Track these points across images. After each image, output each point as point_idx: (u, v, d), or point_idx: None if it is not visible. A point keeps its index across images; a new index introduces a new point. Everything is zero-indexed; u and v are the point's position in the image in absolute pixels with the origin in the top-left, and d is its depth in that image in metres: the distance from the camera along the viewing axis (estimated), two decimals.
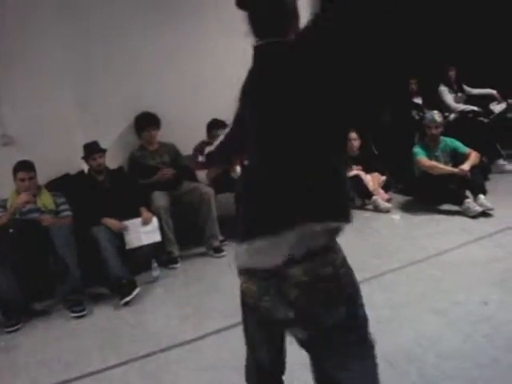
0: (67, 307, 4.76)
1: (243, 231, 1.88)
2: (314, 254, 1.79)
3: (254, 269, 1.86)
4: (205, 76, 6.26)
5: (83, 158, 5.51)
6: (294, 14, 1.96)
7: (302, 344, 1.91)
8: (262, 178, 1.86)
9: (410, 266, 4.54)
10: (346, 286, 1.89)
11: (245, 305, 2.02)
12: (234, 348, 2.96)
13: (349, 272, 1.93)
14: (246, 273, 1.92)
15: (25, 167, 5.07)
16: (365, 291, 4.09)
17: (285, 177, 1.79)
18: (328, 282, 1.82)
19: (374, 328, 3.44)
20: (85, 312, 4.70)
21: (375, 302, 3.91)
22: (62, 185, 5.65)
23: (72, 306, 4.73)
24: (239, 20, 1.98)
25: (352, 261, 4.83)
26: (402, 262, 4.62)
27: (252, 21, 1.94)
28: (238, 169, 5.70)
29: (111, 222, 5.17)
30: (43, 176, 5.48)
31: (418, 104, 7.85)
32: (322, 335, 1.84)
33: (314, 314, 1.82)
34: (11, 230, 4.82)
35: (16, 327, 4.62)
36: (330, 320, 1.82)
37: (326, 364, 1.89)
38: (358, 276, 4.28)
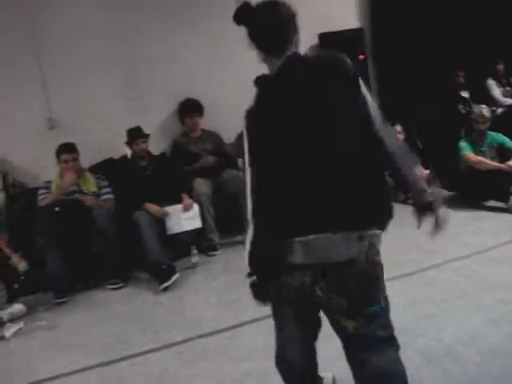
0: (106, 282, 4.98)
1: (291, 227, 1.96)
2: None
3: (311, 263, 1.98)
4: (250, 65, 6.22)
5: (126, 142, 5.56)
6: (293, 25, 2.11)
7: (345, 334, 2.05)
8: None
9: (454, 262, 4.44)
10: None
11: (282, 300, 2.11)
12: (270, 337, 2.94)
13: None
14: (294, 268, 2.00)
15: (67, 149, 5.15)
16: (406, 286, 4.09)
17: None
18: (379, 268, 2.08)
19: (414, 323, 3.42)
20: (121, 284, 4.95)
21: (417, 297, 3.86)
22: (105, 169, 5.73)
23: (109, 278, 4.96)
24: None
25: (394, 255, 4.79)
26: (445, 257, 4.53)
27: (253, 35, 2.10)
28: None
29: (153, 208, 5.20)
30: (87, 160, 5.57)
31: (465, 98, 7.68)
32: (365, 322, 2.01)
33: (364, 297, 2.02)
34: (57, 209, 4.90)
35: (65, 299, 4.82)
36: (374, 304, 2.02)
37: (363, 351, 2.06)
38: (401, 271, 4.27)
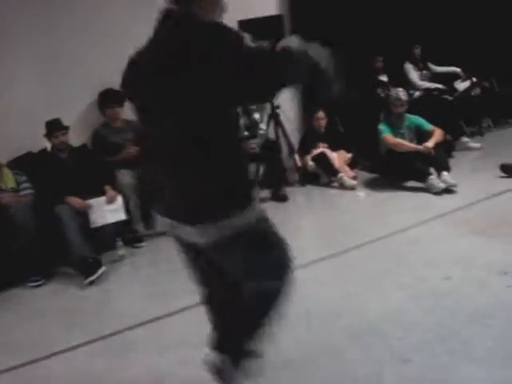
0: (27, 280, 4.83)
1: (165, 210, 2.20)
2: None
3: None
4: None
5: (45, 135, 5.40)
6: None
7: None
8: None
9: (375, 242, 4.58)
10: None
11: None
12: (198, 327, 2.96)
13: None
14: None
15: None
16: (330, 267, 4.18)
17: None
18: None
19: (339, 303, 3.51)
20: (43, 281, 4.82)
21: (341, 277, 3.96)
22: (24, 163, 5.54)
23: (29, 276, 4.80)
24: None
25: (318, 237, 4.90)
26: (367, 238, 4.65)
27: None
28: None
29: (75, 201, 5.09)
30: (5, 154, 5.38)
31: (383, 81, 7.87)
32: None
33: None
34: None
35: None
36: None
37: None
38: (325, 252, 4.37)
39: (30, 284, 4.79)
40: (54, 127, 5.34)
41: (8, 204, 4.87)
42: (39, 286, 4.80)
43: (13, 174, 5.19)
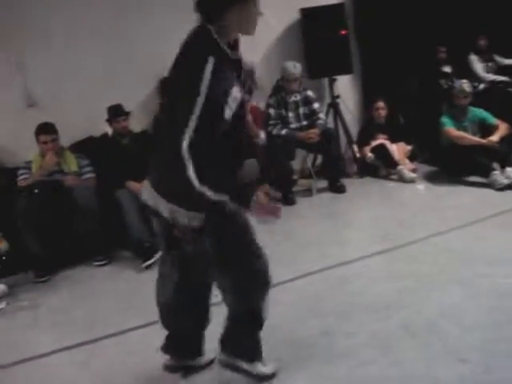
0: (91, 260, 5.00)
1: None
2: None
3: None
4: None
5: (107, 120, 5.50)
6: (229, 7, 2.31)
7: None
8: None
9: (435, 237, 4.48)
10: None
11: None
12: None
13: None
14: None
15: (46, 130, 5.09)
16: (388, 261, 4.12)
17: None
18: None
19: (396, 298, 3.46)
20: (106, 261, 5.00)
21: (398, 272, 3.90)
22: (85, 147, 5.67)
23: (93, 256, 4.99)
24: None
25: (376, 230, 4.83)
26: (427, 232, 4.56)
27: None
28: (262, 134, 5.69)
29: (134, 185, 5.16)
30: (67, 138, 5.51)
31: (446, 73, 7.68)
32: None
33: None
34: (36, 191, 4.86)
35: (45, 278, 4.82)
36: None
37: None
38: (382, 246, 4.31)
39: (94, 264, 4.96)
40: (116, 113, 5.44)
41: (71, 186, 4.99)
42: (102, 265, 4.96)
43: (75, 157, 5.31)
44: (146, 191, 2.52)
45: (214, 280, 2.69)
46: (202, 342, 2.95)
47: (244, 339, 2.76)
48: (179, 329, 2.88)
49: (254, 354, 2.75)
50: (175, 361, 2.96)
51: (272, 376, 2.74)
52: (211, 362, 2.99)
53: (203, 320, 2.88)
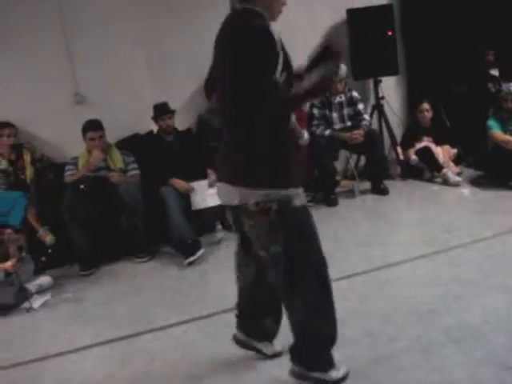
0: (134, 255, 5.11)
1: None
2: None
3: None
4: None
5: (153, 118, 5.57)
6: None
7: None
8: None
9: (480, 242, 4.40)
10: None
11: None
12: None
13: None
14: None
15: (93, 127, 5.18)
16: (432, 265, 4.07)
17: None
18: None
19: (440, 302, 3.41)
20: (149, 257, 5.09)
21: (442, 276, 3.85)
22: (131, 144, 5.75)
23: (137, 252, 5.08)
24: None
25: (419, 233, 4.78)
26: (472, 237, 4.49)
27: None
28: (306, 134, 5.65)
29: (179, 183, 5.23)
30: (113, 135, 5.60)
31: (494, 76, 7.54)
32: None
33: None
34: (82, 186, 4.95)
35: (89, 271, 4.94)
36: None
37: None
38: (426, 249, 4.26)
39: (137, 260, 5.06)
40: (162, 110, 5.50)
41: (117, 183, 5.07)
42: (145, 262, 5.04)
43: (121, 154, 5.39)
44: (223, 191, 2.54)
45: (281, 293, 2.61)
46: (273, 328, 2.96)
47: (317, 352, 2.64)
48: (254, 310, 2.93)
49: (328, 365, 2.64)
50: (245, 337, 3.02)
51: (345, 377, 2.66)
52: (276, 354, 3.02)
53: (278, 311, 2.87)
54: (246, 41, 2.26)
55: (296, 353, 2.66)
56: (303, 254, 2.45)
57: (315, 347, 2.61)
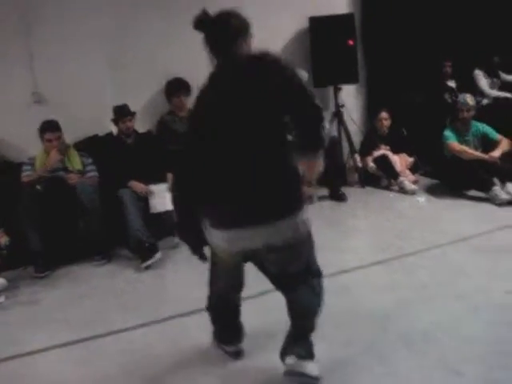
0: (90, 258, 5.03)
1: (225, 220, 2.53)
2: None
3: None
4: None
5: (113, 120, 5.54)
6: (241, 34, 2.53)
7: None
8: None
9: (434, 249, 4.50)
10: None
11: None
12: (257, 316, 2.99)
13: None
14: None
15: (51, 128, 5.13)
16: (386, 271, 4.14)
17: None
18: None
19: (394, 308, 3.47)
20: (105, 261, 5.02)
21: (397, 282, 3.92)
22: (90, 145, 5.70)
23: (93, 255, 5.02)
24: None
25: (375, 241, 4.84)
26: (426, 244, 4.58)
27: (205, 41, 2.55)
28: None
29: (137, 186, 5.20)
30: (72, 136, 5.54)
31: (451, 87, 7.72)
32: None
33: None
34: (38, 187, 4.89)
35: (44, 274, 4.84)
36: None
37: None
38: (381, 256, 4.33)
39: (94, 263, 4.98)
40: (122, 112, 5.47)
41: (74, 184, 5.01)
42: (102, 265, 4.98)
43: (79, 155, 5.33)
44: (264, 233, 2.50)
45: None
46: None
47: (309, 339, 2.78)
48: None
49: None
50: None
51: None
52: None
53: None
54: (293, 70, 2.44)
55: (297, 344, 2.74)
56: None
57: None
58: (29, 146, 5.37)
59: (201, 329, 3.46)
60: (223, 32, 2.49)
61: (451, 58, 7.65)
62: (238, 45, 2.50)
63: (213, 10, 2.53)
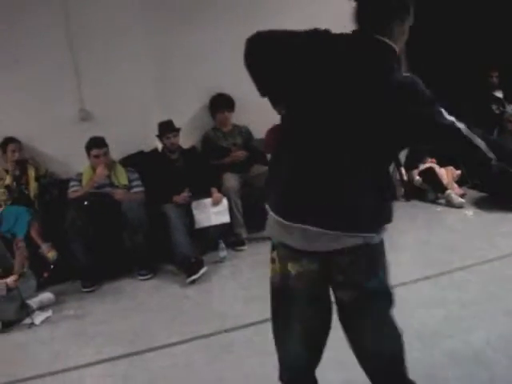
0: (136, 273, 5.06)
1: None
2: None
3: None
4: None
5: (158, 136, 5.60)
6: (399, 14, 2.05)
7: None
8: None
9: (483, 264, 4.39)
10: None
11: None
12: None
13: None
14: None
15: (97, 143, 5.21)
16: (435, 286, 4.05)
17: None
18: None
19: (443, 325, 3.39)
20: (150, 275, 5.04)
21: (445, 298, 3.83)
22: (135, 161, 5.77)
23: (139, 269, 5.03)
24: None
25: (422, 255, 4.75)
26: (475, 259, 4.48)
27: (358, 12, 2.01)
28: None
29: (178, 197, 5.24)
30: (118, 152, 5.62)
31: (498, 98, 7.56)
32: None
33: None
34: (86, 203, 4.96)
35: (92, 288, 4.90)
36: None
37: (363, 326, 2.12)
38: (430, 271, 4.22)
39: (139, 277, 5.03)
40: (166, 128, 5.52)
41: (120, 200, 5.07)
42: (147, 279, 5.01)
43: (125, 171, 5.40)
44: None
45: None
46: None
47: None
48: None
49: None
50: None
51: None
52: None
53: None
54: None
55: None
56: None
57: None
58: (76, 163, 5.47)
59: (245, 344, 3.47)
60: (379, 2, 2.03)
61: (498, 67, 7.51)
62: (392, 26, 2.01)
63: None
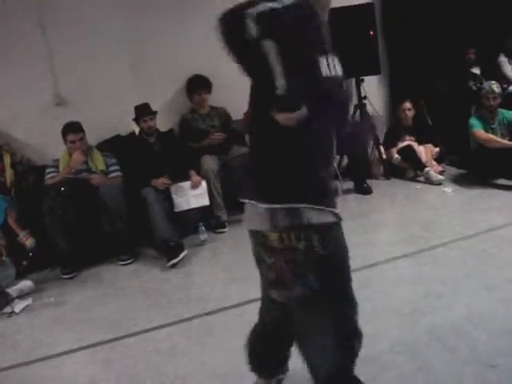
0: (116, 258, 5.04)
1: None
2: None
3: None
4: None
5: (134, 119, 5.54)
6: None
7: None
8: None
9: (462, 240, 4.42)
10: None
11: None
12: None
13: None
14: None
15: (73, 129, 5.14)
16: (414, 264, 4.07)
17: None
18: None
19: (423, 301, 3.41)
20: (131, 260, 5.03)
21: (425, 275, 3.85)
22: (112, 146, 5.71)
23: (119, 254, 5.01)
24: None
25: (401, 232, 4.78)
26: (454, 235, 4.51)
27: None
28: None
29: (157, 182, 5.21)
30: (94, 136, 5.56)
31: (475, 74, 7.58)
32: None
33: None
34: (63, 189, 4.91)
35: (71, 275, 4.87)
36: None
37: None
38: (408, 248, 4.24)
39: (119, 262, 5.00)
40: (143, 111, 5.47)
41: (98, 185, 5.02)
42: (128, 264, 5.00)
43: (102, 155, 5.35)
44: (250, 214, 2.03)
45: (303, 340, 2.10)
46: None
47: None
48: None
49: None
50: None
51: None
52: None
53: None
54: None
55: None
56: None
57: None
58: (52, 149, 5.39)
59: (227, 327, 3.46)
60: None
61: (475, 45, 7.52)
62: None
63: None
